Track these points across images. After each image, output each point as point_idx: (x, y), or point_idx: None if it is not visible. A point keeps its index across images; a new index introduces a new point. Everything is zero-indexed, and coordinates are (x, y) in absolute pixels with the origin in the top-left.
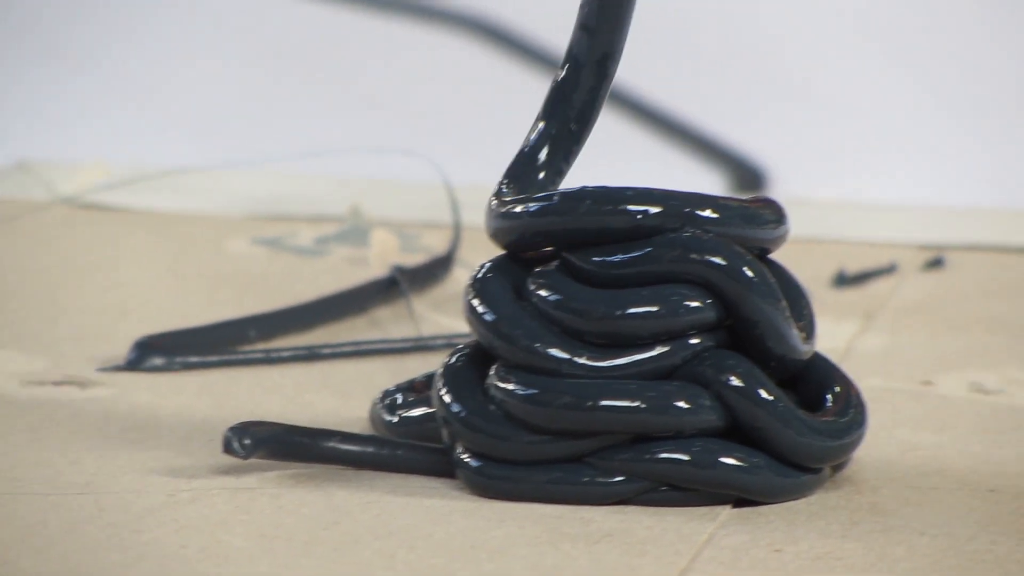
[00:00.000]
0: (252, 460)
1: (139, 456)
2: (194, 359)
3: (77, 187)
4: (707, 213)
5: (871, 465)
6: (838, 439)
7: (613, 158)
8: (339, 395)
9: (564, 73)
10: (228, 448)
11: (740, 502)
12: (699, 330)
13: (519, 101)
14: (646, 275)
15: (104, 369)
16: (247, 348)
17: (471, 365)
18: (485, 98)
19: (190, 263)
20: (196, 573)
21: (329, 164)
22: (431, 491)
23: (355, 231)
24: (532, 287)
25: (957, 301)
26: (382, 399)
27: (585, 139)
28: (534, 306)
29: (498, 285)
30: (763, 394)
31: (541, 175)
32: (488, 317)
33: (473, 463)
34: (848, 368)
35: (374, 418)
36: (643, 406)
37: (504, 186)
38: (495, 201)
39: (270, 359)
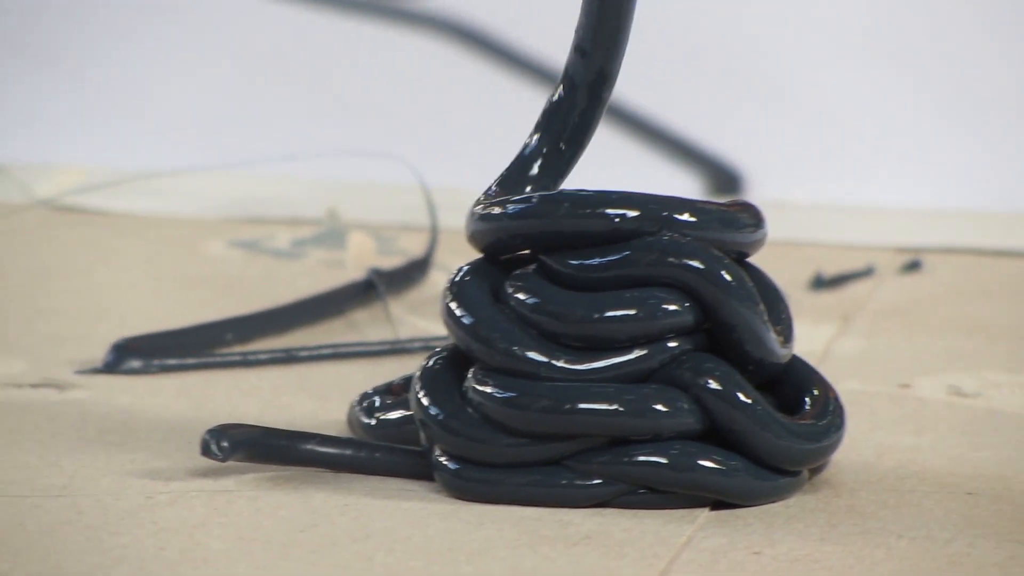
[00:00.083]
0: (230, 463)
1: (117, 458)
2: (172, 361)
3: (55, 190)
4: (685, 217)
5: (849, 468)
6: (816, 442)
7: (590, 162)
8: (317, 398)
9: (558, 93)
10: (206, 451)
11: (718, 505)
12: (677, 334)
13: (495, 104)
14: (624, 278)
15: (82, 371)
16: (225, 351)
17: (449, 368)
18: (462, 101)
19: (167, 266)
20: (175, 575)
21: (306, 167)
22: (409, 494)
23: (332, 234)
24: (510, 290)
25: (934, 304)
26: (360, 402)
27: (575, 160)
28: (512, 309)
29: (476, 288)
30: (741, 397)
31: (528, 189)
32: (466, 320)
33: (451, 466)
34: (826, 371)
35: (352, 421)
36: (621, 409)
37: (489, 195)
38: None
39: (248, 361)
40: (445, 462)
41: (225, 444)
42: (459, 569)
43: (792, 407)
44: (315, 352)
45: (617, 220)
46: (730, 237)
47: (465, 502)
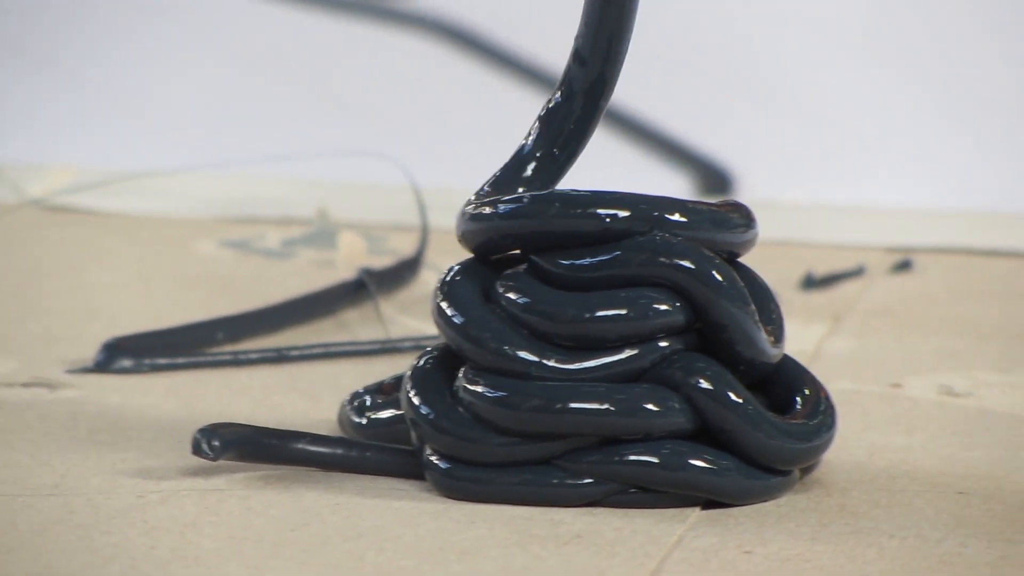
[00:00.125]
0: (221, 462)
1: (108, 457)
2: (162, 361)
3: (46, 189)
4: (676, 217)
5: (840, 467)
6: (807, 441)
7: (581, 161)
8: (307, 397)
9: (555, 99)
10: (197, 450)
11: (709, 504)
12: (668, 333)
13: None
14: (615, 278)
15: (73, 371)
16: (215, 350)
17: (440, 367)
18: (452, 101)
19: (158, 265)
20: (166, 574)
21: (297, 167)
22: (400, 493)
23: (322, 233)
24: (501, 290)
25: (925, 304)
26: (351, 401)
27: (569, 166)
28: (503, 309)
29: (467, 288)
30: (732, 397)
31: (520, 190)
32: (457, 320)
33: (442, 465)
34: (817, 371)
35: (343, 420)
36: (612, 409)
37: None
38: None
39: (238, 361)
40: (436, 461)
41: (216, 443)
42: (450, 568)
43: (783, 407)
44: (306, 352)
45: (608, 220)
46: (721, 237)
47: (456, 501)
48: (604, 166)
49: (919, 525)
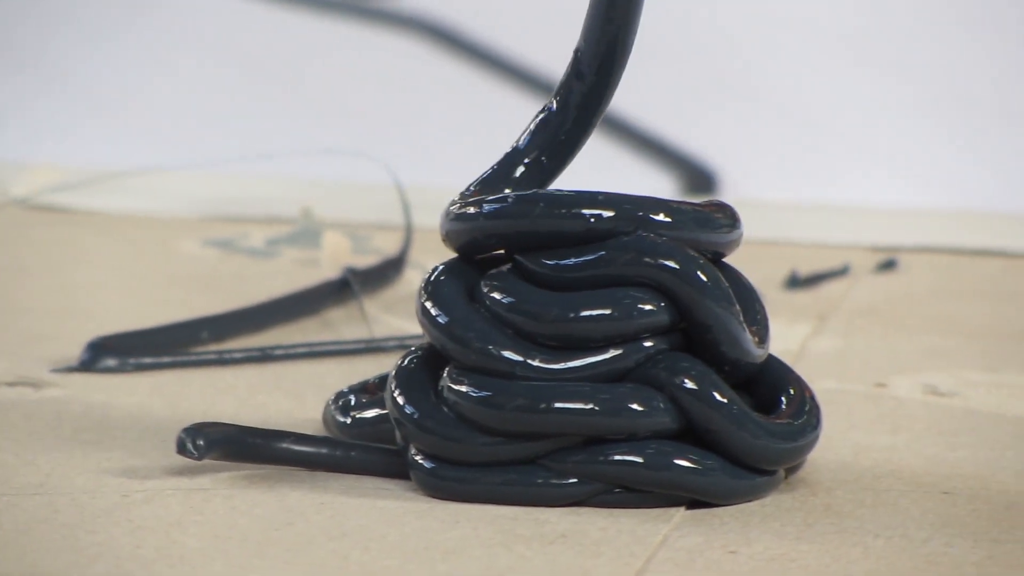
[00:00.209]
0: (206, 461)
1: (93, 457)
2: (147, 360)
3: (29, 188)
4: (661, 217)
5: (825, 467)
6: (792, 441)
7: None
8: (292, 396)
9: (549, 108)
10: (182, 449)
11: (694, 504)
12: (652, 333)
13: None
14: (599, 278)
15: (57, 370)
16: (200, 349)
17: (424, 367)
18: (436, 100)
19: (142, 264)
20: (150, 574)
21: (280, 166)
22: (385, 492)
23: (307, 233)
24: (485, 289)
25: (910, 303)
26: (335, 400)
27: (557, 174)
28: (487, 308)
29: (451, 287)
30: (717, 396)
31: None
32: (441, 319)
33: (427, 464)
34: (802, 370)
35: (327, 419)
36: (596, 408)
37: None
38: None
39: (223, 360)
40: (420, 461)
41: (201, 442)
42: (435, 567)
43: (768, 406)
44: (290, 351)
45: (592, 220)
46: (705, 237)
47: (440, 501)
48: (588, 166)
49: (904, 525)
